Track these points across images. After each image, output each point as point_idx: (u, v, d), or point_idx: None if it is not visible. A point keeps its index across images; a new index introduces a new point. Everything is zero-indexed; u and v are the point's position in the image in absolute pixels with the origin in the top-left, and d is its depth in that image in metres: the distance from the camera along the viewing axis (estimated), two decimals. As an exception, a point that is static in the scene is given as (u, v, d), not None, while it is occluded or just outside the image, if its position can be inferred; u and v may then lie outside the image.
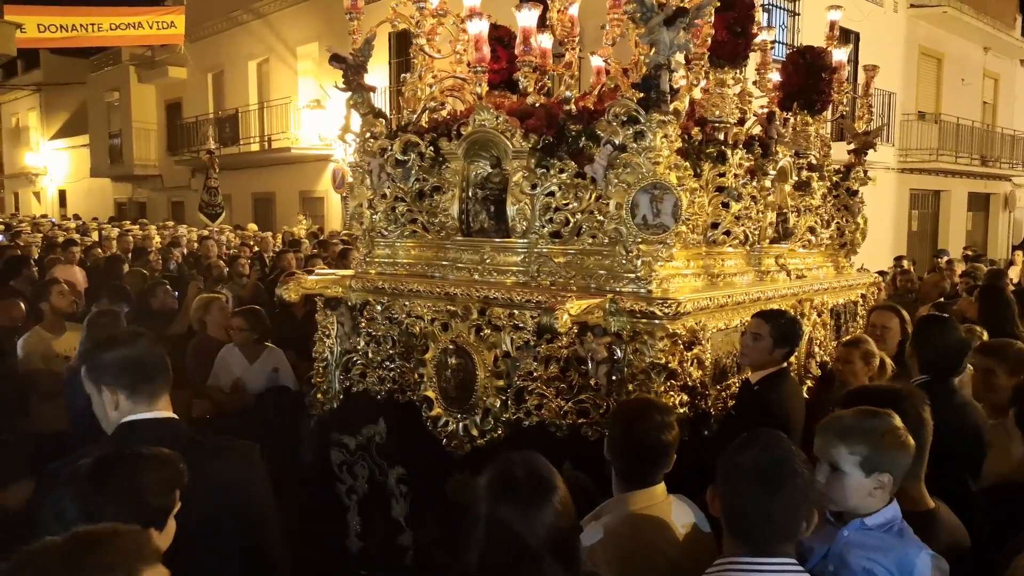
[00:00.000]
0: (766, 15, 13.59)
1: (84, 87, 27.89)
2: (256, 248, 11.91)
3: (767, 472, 1.88)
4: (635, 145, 3.13)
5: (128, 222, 17.22)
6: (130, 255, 10.07)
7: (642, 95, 3.12)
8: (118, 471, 1.78)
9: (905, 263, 11.19)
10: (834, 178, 4.97)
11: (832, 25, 4.97)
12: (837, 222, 4.99)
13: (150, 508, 1.76)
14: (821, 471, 2.14)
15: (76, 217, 20.77)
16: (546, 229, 3.50)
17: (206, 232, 13.02)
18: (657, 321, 3.02)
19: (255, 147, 19.83)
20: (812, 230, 4.63)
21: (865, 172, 5.10)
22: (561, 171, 3.47)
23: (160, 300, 6.06)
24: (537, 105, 3.83)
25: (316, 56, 17.75)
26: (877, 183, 5.22)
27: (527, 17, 3.76)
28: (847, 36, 14.00)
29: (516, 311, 3.37)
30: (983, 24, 19.51)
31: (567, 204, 3.46)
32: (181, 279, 8.17)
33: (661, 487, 2.45)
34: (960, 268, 11.79)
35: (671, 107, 3.09)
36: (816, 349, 4.39)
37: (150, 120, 25.04)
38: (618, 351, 3.11)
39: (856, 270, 5.34)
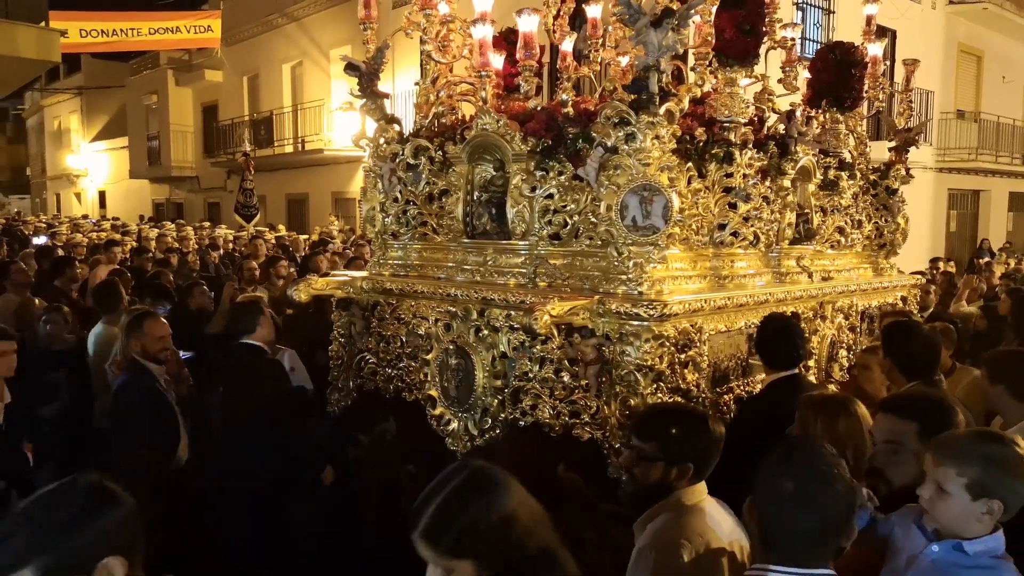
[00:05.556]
0: (799, 13, 13.44)
1: (123, 90, 28.46)
2: (289, 249, 12.07)
3: (796, 482, 1.83)
4: (627, 147, 3.13)
5: (169, 223, 17.54)
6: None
7: (633, 97, 3.11)
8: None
9: (942, 264, 11.00)
10: (872, 176, 4.87)
11: (869, 20, 4.87)
12: (876, 222, 4.88)
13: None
14: (927, 488, 2.06)
15: (115, 219, 21.20)
16: (545, 231, 3.53)
17: (252, 231, 13.18)
18: (644, 323, 3.01)
19: (289, 149, 20.10)
20: (841, 230, 4.54)
21: (907, 170, 4.98)
22: (560, 173, 3.48)
23: (197, 300, 6.21)
24: (539, 108, 3.85)
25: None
26: (913, 183, 5.10)
27: (527, 22, 3.79)
28: (883, 34, 13.75)
29: (513, 312, 3.40)
30: (1025, 20, 19.08)
31: (565, 206, 3.48)
32: (217, 280, 8.33)
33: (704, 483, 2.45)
34: (1000, 270, 11.57)
35: (662, 108, 3.08)
36: (842, 352, 4.32)
37: (187, 122, 25.50)
38: (607, 352, 3.11)
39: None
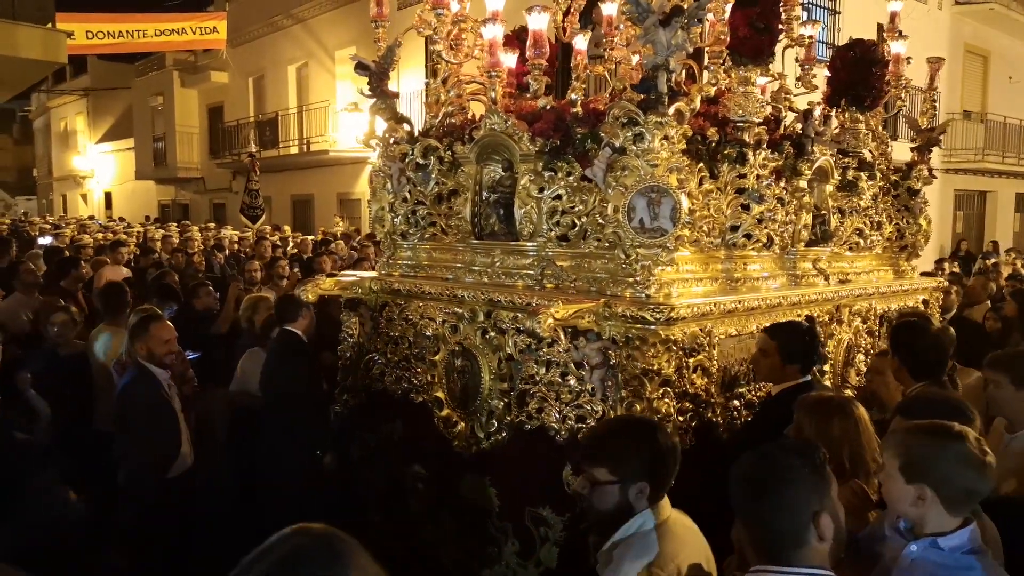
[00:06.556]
0: (805, 13, 13.40)
1: (129, 92, 28.52)
2: (295, 250, 12.07)
3: (754, 480, 1.86)
4: (635, 147, 3.08)
5: (174, 224, 17.57)
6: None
7: (642, 97, 3.07)
8: None
9: (947, 266, 10.95)
10: (893, 177, 4.78)
11: (892, 16, 4.76)
12: (897, 223, 4.79)
13: None
14: (883, 472, 2.13)
15: (121, 219, 21.24)
16: (553, 232, 3.48)
17: (258, 232, 13.18)
18: (650, 326, 2.94)
19: (294, 150, 20.11)
20: (860, 232, 4.45)
21: (930, 171, 4.89)
22: (568, 174, 3.44)
23: (203, 301, 6.21)
24: (547, 108, 3.81)
25: (354, 60, 17.91)
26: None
27: (537, 20, 3.75)
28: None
29: (519, 314, 3.36)
30: (1032, 21, 19.00)
31: (573, 207, 3.43)
32: (223, 280, 8.32)
33: (667, 499, 2.33)
34: (1007, 271, 11.51)
35: (672, 108, 3.02)
36: (859, 357, 4.25)
37: (193, 124, 25.53)
38: (613, 356, 3.06)
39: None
